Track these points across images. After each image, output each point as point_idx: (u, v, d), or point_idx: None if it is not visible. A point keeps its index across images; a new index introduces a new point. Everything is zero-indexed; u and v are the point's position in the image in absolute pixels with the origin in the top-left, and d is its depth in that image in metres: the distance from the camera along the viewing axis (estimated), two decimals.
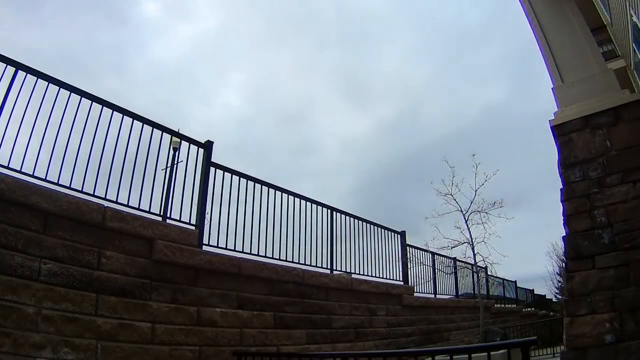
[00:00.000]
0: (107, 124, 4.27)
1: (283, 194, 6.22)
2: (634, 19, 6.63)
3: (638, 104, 4.70)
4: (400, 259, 8.89)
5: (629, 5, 6.61)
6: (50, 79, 3.86)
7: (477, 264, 9.50)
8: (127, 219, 4.17)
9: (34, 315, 3.26)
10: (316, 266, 6.53)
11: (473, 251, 8.81)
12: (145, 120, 4.60)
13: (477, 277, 11.30)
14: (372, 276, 7.76)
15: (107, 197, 4.15)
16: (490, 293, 14.98)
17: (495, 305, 14.20)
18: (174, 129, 4.94)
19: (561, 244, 5.26)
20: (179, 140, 5.07)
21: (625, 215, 4.34)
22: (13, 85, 3.62)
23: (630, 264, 4.16)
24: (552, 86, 5.47)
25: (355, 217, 7.67)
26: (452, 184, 8.78)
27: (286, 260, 5.98)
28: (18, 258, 3.27)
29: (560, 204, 4.87)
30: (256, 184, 5.82)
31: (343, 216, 7.37)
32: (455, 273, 11.74)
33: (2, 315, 3.08)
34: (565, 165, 4.92)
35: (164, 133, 4.81)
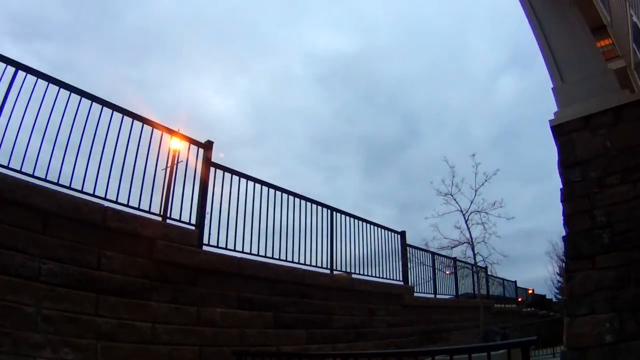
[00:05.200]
0: (107, 123, 4.27)
1: (283, 194, 6.22)
2: (634, 19, 6.63)
3: (638, 104, 4.70)
4: (400, 259, 8.89)
5: (629, 5, 6.61)
6: (50, 79, 3.86)
7: (477, 264, 9.53)
8: (127, 219, 4.17)
9: (34, 315, 3.26)
10: (316, 266, 6.53)
11: (473, 251, 8.85)
12: (145, 120, 4.59)
13: (477, 277, 11.32)
14: (372, 276, 7.75)
15: (107, 197, 4.14)
16: (490, 293, 14.98)
17: (495, 305, 14.19)
18: (174, 129, 4.94)
19: (561, 244, 5.26)
20: (179, 139, 5.06)
21: (625, 215, 4.34)
22: (13, 85, 3.62)
23: (630, 264, 4.16)
24: (552, 86, 5.47)
25: (355, 217, 7.67)
26: (452, 184, 8.83)
27: (286, 261, 5.97)
28: (18, 258, 3.27)
29: (560, 204, 4.87)
30: (256, 184, 5.82)
31: (343, 216, 7.36)
32: (455, 273, 11.75)
33: (2, 315, 3.08)
34: (565, 165, 4.92)
35: (164, 133, 4.81)
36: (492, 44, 74.17)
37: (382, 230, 8.43)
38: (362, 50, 76.25)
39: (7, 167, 3.49)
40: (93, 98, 4.16)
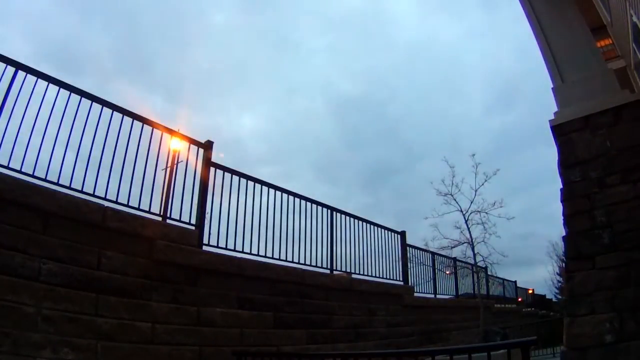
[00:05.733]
0: (107, 123, 4.27)
1: (283, 193, 6.22)
2: (634, 19, 6.63)
3: (638, 104, 4.70)
4: (400, 259, 8.88)
5: (629, 5, 6.61)
6: (50, 79, 3.85)
7: (477, 264, 9.52)
8: (127, 219, 4.17)
9: (34, 315, 3.26)
10: (316, 266, 6.53)
11: (473, 251, 8.84)
12: (145, 120, 4.59)
13: (477, 277, 11.31)
14: (372, 276, 7.75)
15: (107, 197, 4.14)
16: (490, 293, 14.98)
17: (495, 305, 14.19)
18: (173, 129, 4.94)
19: (561, 244, 5.26)
20: (179, 139, 5.06)
21: (625, 215, 4.34)
22: (13, 85, 3.61)
23: (630, 264, 4.16)
24: (552, 86, 5.47)
25: (355, 217, 7.67)
26: (452, 184, 8.83)
27: (286, 261, 5.97)
28: (18, 258, 3.27)
29: (560, 204, 4.87)
30: (256, 184, 5.82)
31: (343, 216, 7.36)
32: (455, 273, 11.75)
33: (2, 315, 3.07)
34: (565, 165, 4.92)
35: (164, 133, 4.81)
36: (481, 87, 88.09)
37: (382, 230, 8.42)
38: (368, 91, 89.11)
39: (7, 167, 3.49)
40: (93, 98, 4.16)
